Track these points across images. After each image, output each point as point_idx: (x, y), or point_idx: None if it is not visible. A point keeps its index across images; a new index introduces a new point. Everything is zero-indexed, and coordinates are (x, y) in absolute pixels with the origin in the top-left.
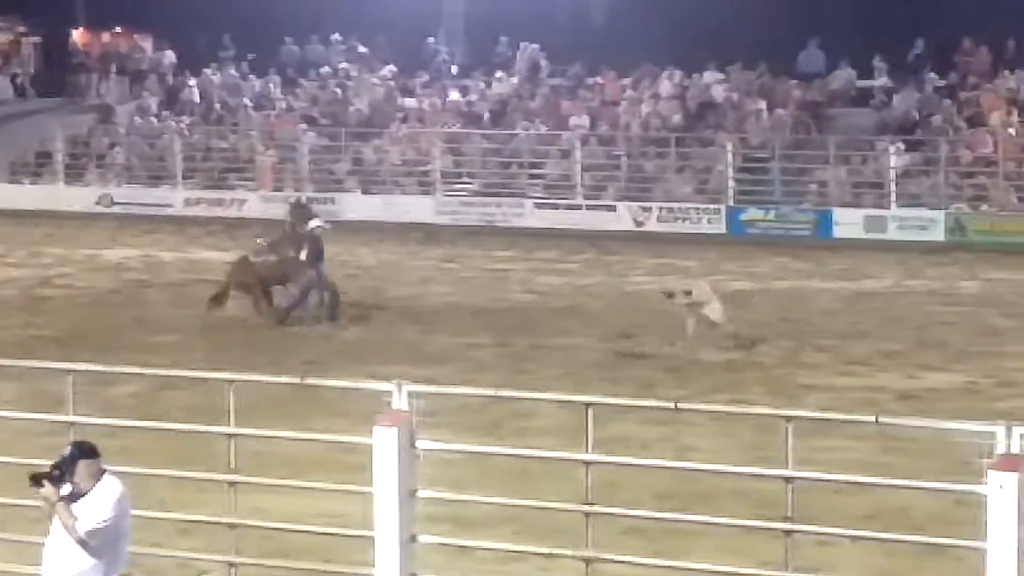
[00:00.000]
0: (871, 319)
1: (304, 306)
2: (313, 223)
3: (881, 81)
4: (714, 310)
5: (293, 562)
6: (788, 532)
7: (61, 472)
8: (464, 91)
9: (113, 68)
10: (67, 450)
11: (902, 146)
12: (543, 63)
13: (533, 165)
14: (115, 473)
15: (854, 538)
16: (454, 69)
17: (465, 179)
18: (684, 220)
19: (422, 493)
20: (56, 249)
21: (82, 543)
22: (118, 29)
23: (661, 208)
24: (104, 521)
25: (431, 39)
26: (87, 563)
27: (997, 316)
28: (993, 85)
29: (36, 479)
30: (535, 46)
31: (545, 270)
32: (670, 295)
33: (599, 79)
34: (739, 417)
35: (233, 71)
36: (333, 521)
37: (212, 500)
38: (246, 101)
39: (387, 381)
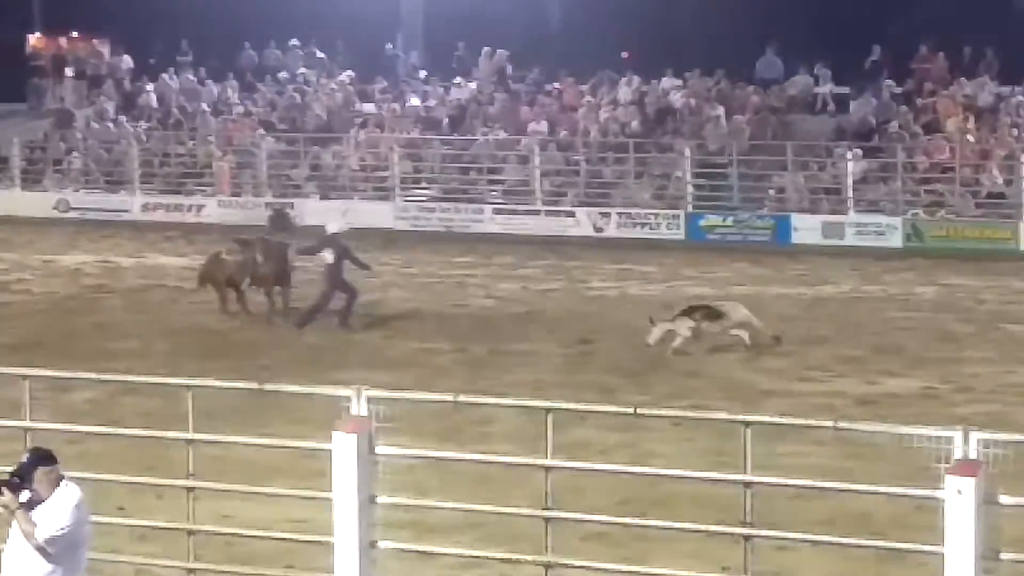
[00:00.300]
0: (829, 325)
1: (324, 309)
2: (332, 226)
3: (828, 88)
4: (748, 317)
5: (253, 568)
6: (747, 537)
7: (19, 479)
8: (423, 96)
9: (70, 73)
10: (25, 456)
11: (860, 152)
12: (507, 68)
13: (492, 171)
14: (73, 479)
15: (814, 543)
16: (421, 73)
17: (424, 185)
18: (643, 226)
19: (382, 499)
20: (13, 255)
21: (41, 550)
22: (75, 33)
23: (620, 214)
24: (63, 528)
25: (389, 45)
26: (46, 569)
27: (955, 322)
28: (950, 92)
29: None
30: (503, 51)
31: (504, 276)
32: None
33: (557, 85)
34: (699, 422)
35: (191, 76)
36: (293, 527)
37: (171, 506)
38: (204, 106)
39: (346, 387)
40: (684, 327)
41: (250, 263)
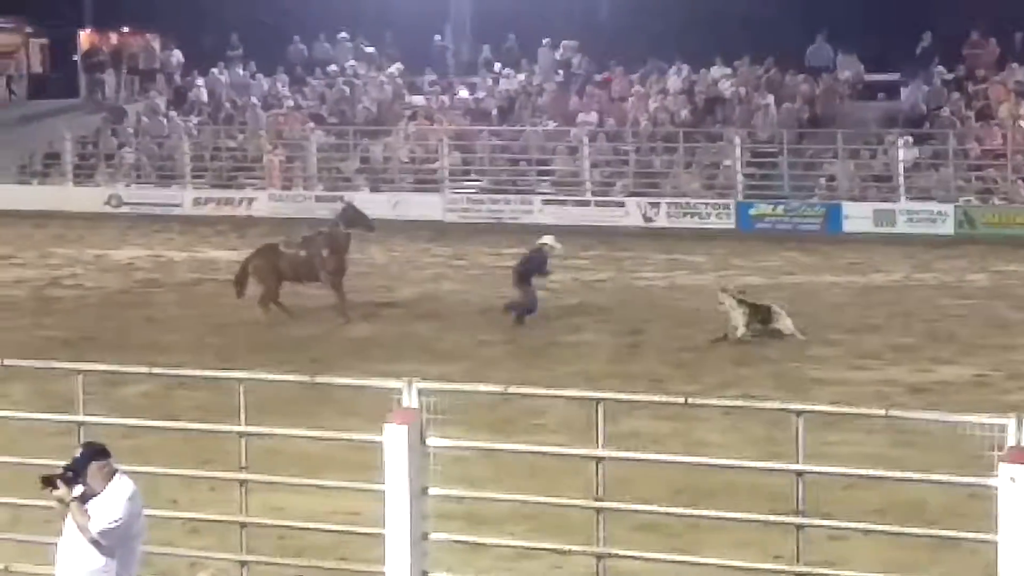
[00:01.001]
0: (881, 313)
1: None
2: (546, 239)
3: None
4: (786, 325)
5: (305, 560)
6: (800, 526)
7: (74, 473)
8: (472, 88)
9: (121, 68)
10: (78, 451)
11: (910, 139)
12: (574, 59)
13: (541, 162)
14: (127, 473)
15: (866, 532)
16: (497, 66)
17: (473, 176)
18: (693, 215)
19: (433, 491)
20: (65, 249)
21: (95, 543)
22: (125, 29)
23: (670, 204)
24: (116, 521)
25: (438, 36)
26: (100, 563)
27: (1007, 309)
28: (1001, 78)
29: (49, 480)
30: (568, 42)
31: (555, 266)
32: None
33: (607, 75)
34: (750, 412)
35: (241, 70)
36: (345, 519)
37: (223, 499)
38: (254, 100)
39: (397, 379)
40: (741, 326)
41: (318, 257)
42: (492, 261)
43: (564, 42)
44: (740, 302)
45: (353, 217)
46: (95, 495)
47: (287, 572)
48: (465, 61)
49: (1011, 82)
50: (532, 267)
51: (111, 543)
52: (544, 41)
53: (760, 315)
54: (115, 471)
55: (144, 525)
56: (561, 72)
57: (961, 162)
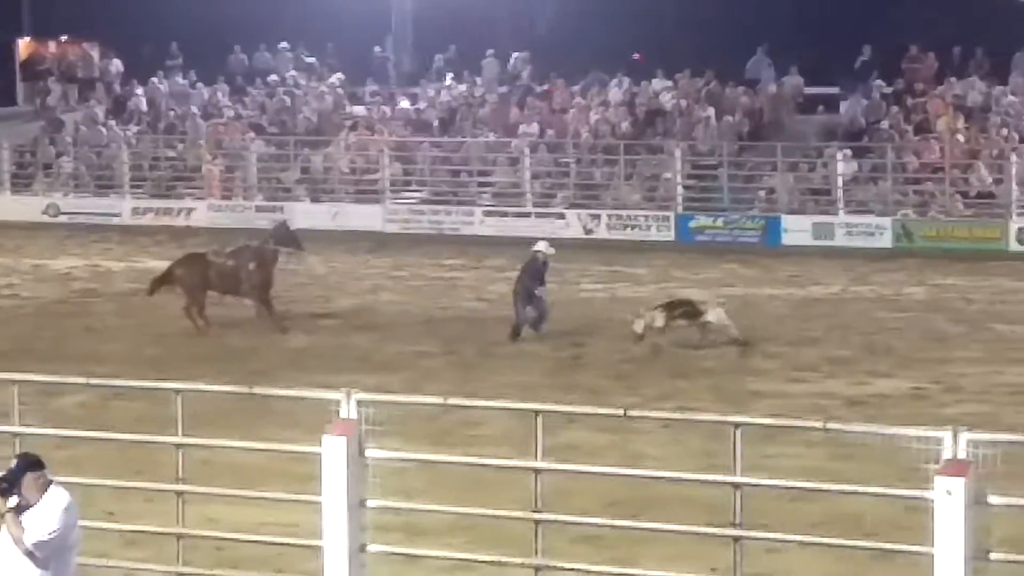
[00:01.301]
0: (819, 325)
1: (529, 320)
2: (539, 245)
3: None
4: (718, 316)
5: (243, 572)
6: (737, 538)
7: (8, 484)
8: (413, 99)
9: (60, 77)
10: (13, 462)
11: (849, 153)
12: (524, 72)
13: (482, 173)
14: (62, 484)
15: (803, 544)
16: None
17: (414, 187)
18: (633, 227)
19: (372, 502)
20: (2, 259)
21: (30, 555)
22: (65, 38)
23: (610, 216)
24: (52, 533)
25: (379, 47)
26: (35, 574)
27: (944, 322)
28: (939, 92)
29: None
30: (523, 54)
31: (495, 278)
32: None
33: (548, 87)
34: (688, 424)
35: (181, 79)
36: (283, 531)
37: (160, 511)
38: (194, 109)
39: (336, 390)
40: (659, 319)
41: (244, 269)
42: (432, 272)
43: (516, 54)
44: (656, 307)
45: (285, 237)
46: (30, 507)
47: None
48: (407, 72)
49: (949, 96)
50: (532, 280)
51: (46, 555)
52: (488, 52)
53: (680, 309)
54: (50, 482)
55: (80, 537)
56: (504, 84)
57: (899, 176)
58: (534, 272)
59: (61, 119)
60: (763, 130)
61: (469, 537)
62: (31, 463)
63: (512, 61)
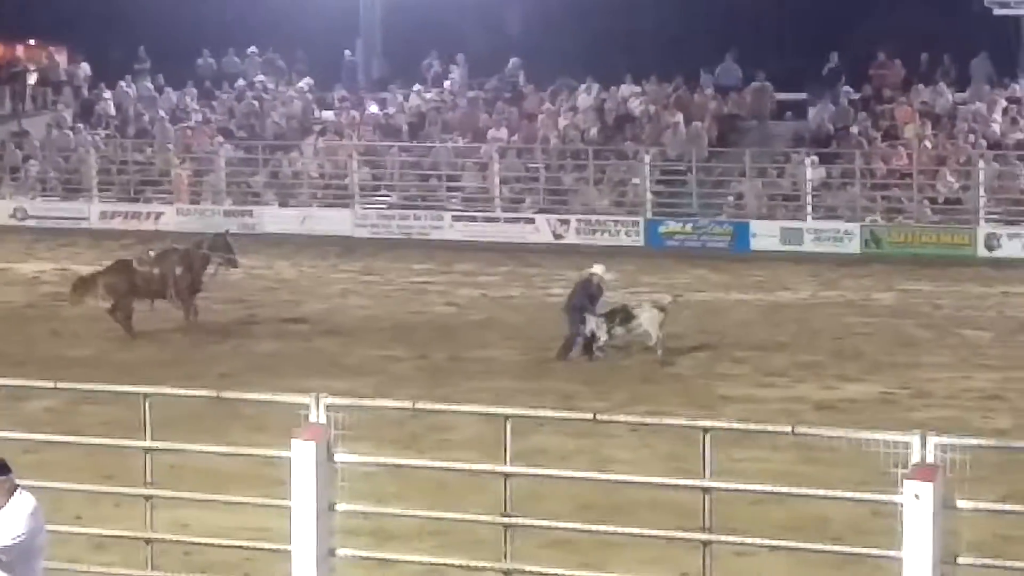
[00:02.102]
0: (788, 330)
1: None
2: (596, 269)
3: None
4: (648, 321)
5: None
6: (706, 542)
7: None
8: (382, 104)
9: (27, 80)
10: None
11: (817, 159)
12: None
13: (451, 178)
14: (29, 488)
15: (772, 548)
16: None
17: (383, 192)
18: (602, 232)
19: (341, 507)
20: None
21: None
22: (32, 41)
23: (579, 220)
24: (17, 537)
25: (348, 52)
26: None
27: (913, 327)
28: (907, 98)
29: None
30: (517, 59)
31: (464, 283)
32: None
33: (517, 92)
34: (658, 428)
35: (149, 83)
36: (252, 535)
37: (129, 515)
38: (162, 114)
39: (305, 394)
40: (602, 331)
41: (170, 274)
42: (402, 277)
43: (513, 59)
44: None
45: (220, 247)
46: None
47: None
48: (375, 77)
49: (916, 103)
50: (584, 299)
51: (11, 559)
52: (458, 57)
53: (618, 318)
54: (16, 487)
55: (46, 541)
56: (473, 89)
57: (867, 181)
58: (587, 293)
59: (28, 123)
60: (731, 136)
61: (439, 541)
62: None
63: (509, 65)
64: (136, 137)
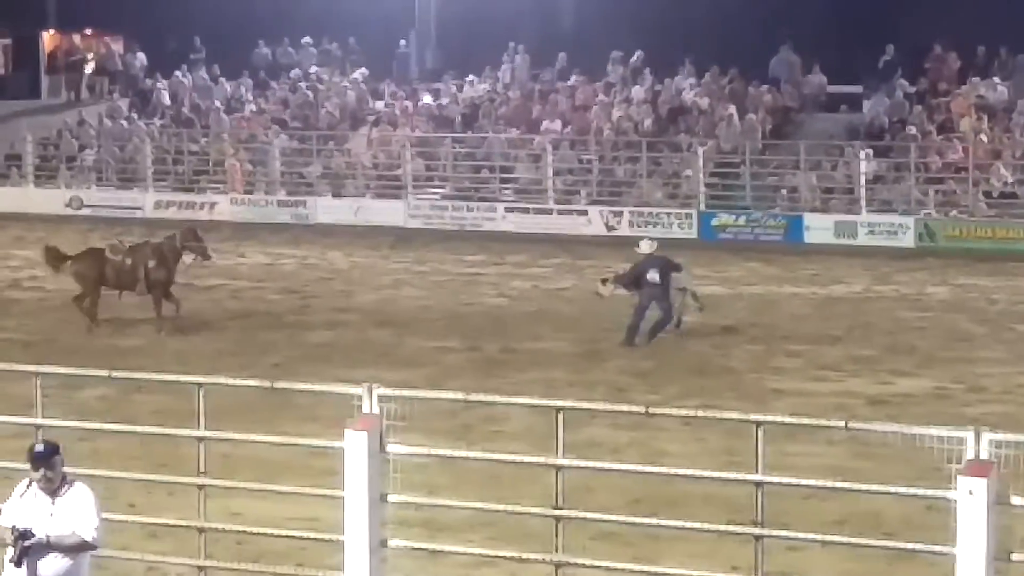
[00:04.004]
0: (841, 324)
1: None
2: (644, 246)
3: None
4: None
5: (263, 566)
6: (758, 537)
7: (46, 455)
8: (436, 94)
9: (84, 70)
10: (39, 447)
11: (872, 152)
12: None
13: (504, 169)
14: (85, 476)
15: (824, 543)
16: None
17: (436, 183)
18: (655, 225)
19: (393, 497)
20: (26, 252)
21: (80, 547)
22: (89, 31)
23: (632, 213)
24: (98, 527)
25: (403, 42)
26: (65, 566)
27: (967, 322)
28: (963, 91)
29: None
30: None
31: (516, 274)
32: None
33: (571, 83)
34: (710, 422)
35: (204, 74)
36: (304, 525)
37: (182, 504)
38: (217, 104)
39: (358, 385)
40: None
41: (142, 267)
42: (454, 268)
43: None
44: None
45: (190, 240)
46: (57, 491)
47: None
48: (429, 68)
49: (972, 96)
50: (667, 278)
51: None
52: (519, 48)
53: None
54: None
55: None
56: (526, 81)
57: (922, 175)
58: (670, 271)
59: (85, 112)
60: (786, 128)
61: (490, 533)
62: (55, 446)
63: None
64: (191, 127)
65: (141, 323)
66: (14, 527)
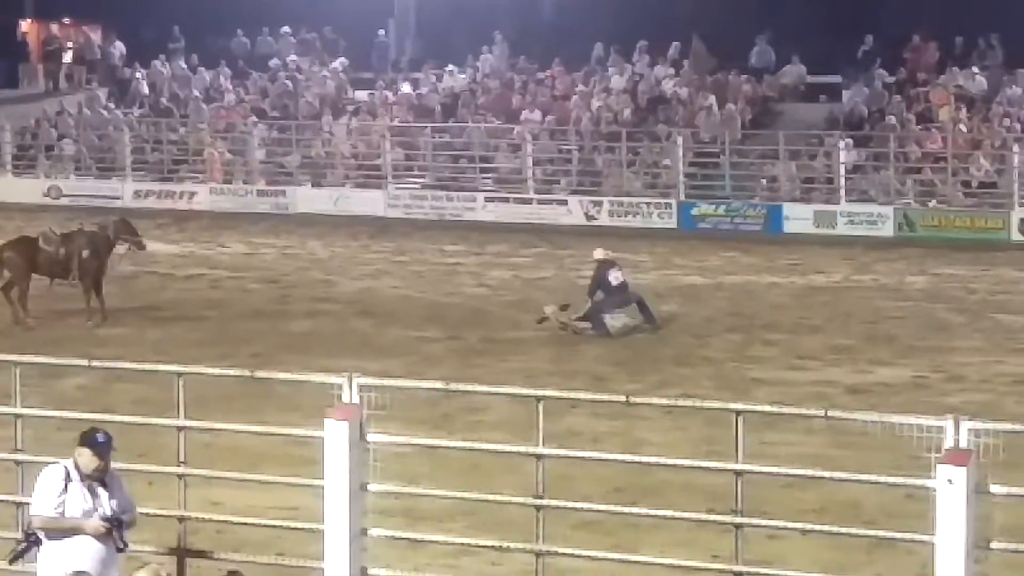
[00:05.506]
0: (821, 314)
1: (601, 327)
2: (598, 253)
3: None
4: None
5: (244, 555)
6: (738, 525)
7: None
8: (415, 84)
9: (62, 59)
10: (100, 436)
11: (851, 142)
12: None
13: (484, 159)
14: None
15: (804, 531)
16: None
17: (416, 172)
18: (635, 215)
19: (373, 486)
20: (3, 241)
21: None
22: (67, 20)
23: (612, 202)
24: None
25: (382, 32)
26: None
27: (946, 311)
28: (942, 81)
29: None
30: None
31: (496, 264)
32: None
33: (550, 73)
34: (690, 411)
35: (183, 63)
36: (284, 514)
37: (162, 493)
38: (196, 93)
39: (338, 374)
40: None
41: (75, 256)
42: (434, 258)
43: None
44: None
45: (123, 230)
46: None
47: (226, 567)
48: (408, 57)
49: (951, 86)
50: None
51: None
52: (498, 37)
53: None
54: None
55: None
56: (506, 71)
57: (901, 165)
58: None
59: (63, 101)
60: (765, 118)
61: (470, 522)
62: (110, 435)
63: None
64: (169, 116)
65: (116, 312)
66: (103, 514)
